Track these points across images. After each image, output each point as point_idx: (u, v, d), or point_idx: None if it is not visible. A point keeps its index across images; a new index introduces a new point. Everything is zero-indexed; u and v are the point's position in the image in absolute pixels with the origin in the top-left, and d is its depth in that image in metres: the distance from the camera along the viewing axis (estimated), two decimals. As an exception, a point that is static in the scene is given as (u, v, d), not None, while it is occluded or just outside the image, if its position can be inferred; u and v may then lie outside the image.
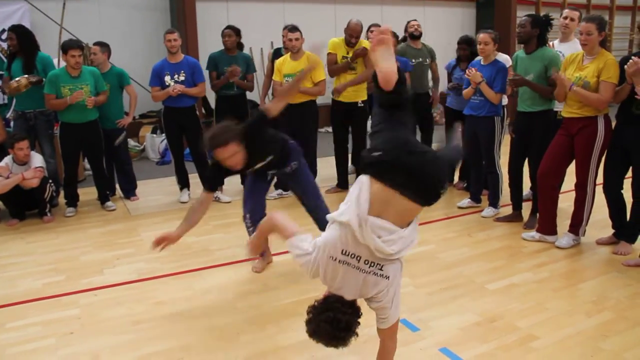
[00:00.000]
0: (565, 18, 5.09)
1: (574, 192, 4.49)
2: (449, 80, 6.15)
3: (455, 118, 6.09)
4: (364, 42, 5.91)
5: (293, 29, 5.75)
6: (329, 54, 5.97)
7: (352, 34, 5.88)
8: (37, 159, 5.42)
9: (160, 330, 3.32)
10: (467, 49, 5.94)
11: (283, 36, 6.25)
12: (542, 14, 4.92)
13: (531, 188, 5.51)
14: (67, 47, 5.40)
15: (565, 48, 5.00)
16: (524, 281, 3.91)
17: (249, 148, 3.36)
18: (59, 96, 5.43)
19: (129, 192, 6.27)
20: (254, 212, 3.95)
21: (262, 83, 6.49)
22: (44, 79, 5.67)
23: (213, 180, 3.63)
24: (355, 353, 3.04)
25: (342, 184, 6.37)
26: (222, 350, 3.11)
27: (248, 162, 3.46)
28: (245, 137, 3.33)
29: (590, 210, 4.47)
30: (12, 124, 6.13)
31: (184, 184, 6.12)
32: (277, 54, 6.51)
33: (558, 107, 4.76)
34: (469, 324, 3.33)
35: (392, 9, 11.46)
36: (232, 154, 3.27)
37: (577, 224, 4.51)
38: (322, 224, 3.71)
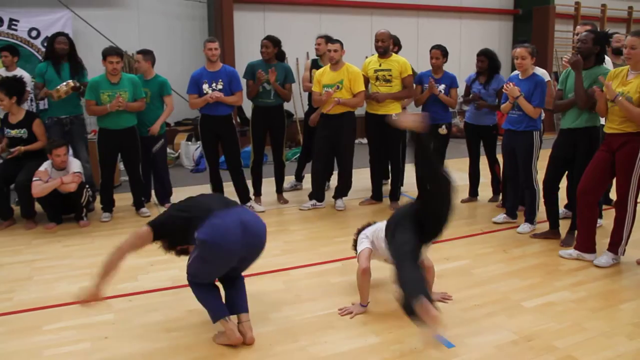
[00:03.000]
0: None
1: (613, 209, 4.39)
2: (468, 94, 6.08)
3: (475, 133, 6.03)
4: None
5: (334, 40, 5.75)
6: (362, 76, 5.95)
7: (377, 39, 5.88)
8: (76, 164, 5.52)
9: (193, 339, 3.33)
10: (485, 61, 5.87)
11: (316, 44, 6.29)
12: (600, 29, 4.80)
13: (566, 206, 5.43)
14: (105, 54, 5.52)
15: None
16: (561, 300, 3.82)
17: None
18: (98, 102, 5.54)
19: (164, 199, 6.34)
20: None
21: (299, 94, 6.50)
22: (81, 87, 5.80)
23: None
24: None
25: (377, 196, 6.34)
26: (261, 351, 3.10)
27: None
28: None
29: (631, 229, 4.36)
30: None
31: (218, 191, 6.16)
32: (314, 63, 6.54)
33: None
34: (505, 342, 3.26)
35: (427, 20, 11.45)
36: None
37: (616, 243, 4.40)
38: None
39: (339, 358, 3.12)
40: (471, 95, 6.00)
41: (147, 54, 6.11)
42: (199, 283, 3.26)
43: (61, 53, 5.95)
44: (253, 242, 3.21)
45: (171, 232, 3.20)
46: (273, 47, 6.02)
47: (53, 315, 3.67)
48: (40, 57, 8.05)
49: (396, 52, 6.44)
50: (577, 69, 4.48)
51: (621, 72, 4.25)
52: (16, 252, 4.89)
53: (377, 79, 5.92)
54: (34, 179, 5.29)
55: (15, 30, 8.07)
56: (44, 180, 5.31)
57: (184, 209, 3.24)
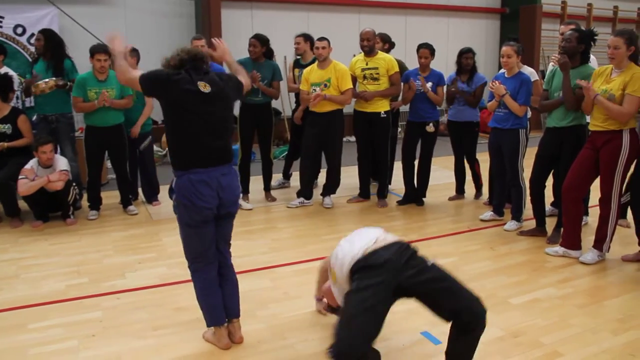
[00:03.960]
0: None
1: (598, 207, 4.43)
2: (449, 94, 6.08)
3: (458, 130, 6.06)
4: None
5: (321, 38, 5.76)
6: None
7: (362, 38, 5.90)
8: (62, 162, 5.48)
9: (180, 336, 3.33)
10: (471, 58, 5.93)
11: (295, 43, 6.28)
12: (587, 27, 4.82)
13: (552, 203, 5.47)
14: (93, 52, 5.49)
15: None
16: (548, 296, 3.86)
17: None
18: (86, 99, 5.51)
19: (151, 197, 6.31)
20: None
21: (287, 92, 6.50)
22: (68, 83, 5.76)
23: None
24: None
25: (364, 194, 6.35)
26: (242, 358, 3.10)
27: None
28: None
29: (615, 225, 4.41)
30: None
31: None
32: (296, 63, 6.52)
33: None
34: (492, 338, 3.28)
35: (415, 19, 11.48)
36: None
37: (601, 240, 4.44)
38: None
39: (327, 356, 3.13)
40: (452, 89, 6.01)
41: (133, 51, 6.07)
42: (203, 275, 3.16)
43: (39, 50, 5.89)
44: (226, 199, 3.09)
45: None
46: (261, 46, 6.00)
47: (39, 313, 3.64)
48: (26, 55, 7.99)
49: (388, 50, 6.46)
50: (564, 70, 4.51)
51: (605, 70, 4.31)
52: (2, 250, 4.85)
53: (364, 77, 5.93)
54: (20, 177, 5.24)
55: (0, 27, 7.98)
56: (30, 178, 5.27)
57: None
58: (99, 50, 5.49)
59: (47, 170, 5.38)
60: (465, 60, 5.93)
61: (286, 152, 7.22)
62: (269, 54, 6.24)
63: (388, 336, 3.30)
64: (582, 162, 4.43)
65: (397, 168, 6.35)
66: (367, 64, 5.93)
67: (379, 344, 3.20)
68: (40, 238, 5.16)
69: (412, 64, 6.14)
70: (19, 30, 8.09)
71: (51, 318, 3.57)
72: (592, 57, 4.79)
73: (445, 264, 4.40)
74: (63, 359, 3.10)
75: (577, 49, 4.55)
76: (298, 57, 6.53)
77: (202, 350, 3.16)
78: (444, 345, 3.18)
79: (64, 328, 3.43)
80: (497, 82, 5.16)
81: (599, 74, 4.33)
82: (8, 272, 4.35)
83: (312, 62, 6.16)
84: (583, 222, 4.74)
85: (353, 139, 6.62)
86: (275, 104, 6.41)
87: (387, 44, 6.57)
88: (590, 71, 4.51)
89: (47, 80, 5.66)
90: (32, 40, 7.30)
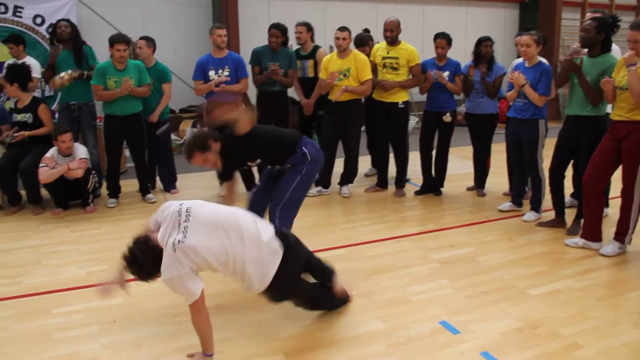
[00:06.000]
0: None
1: (620, 198, 4.39)
2: (465, 84, 5.93)
3: (476, 122, 5.99)
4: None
5: (342, 28, 5.72)
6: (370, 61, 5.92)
7: (385, 28, 5.85)
8: (81, 151, 5.53)
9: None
10: (490, 47, 5.82)
11: (297, 32, 6.23)
12: (607, 15, 4.69)
13: (572, 195, 5.42)
14: (113, 41, 5.52)
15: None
16: (567, 288, 3.83)
17: (226, 155, 3.69)
18: (105, 88, 5.55)
19: (170, 184, 6.36)
20: (251, 209, 3.75)
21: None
22: (85, 73, 5.80)
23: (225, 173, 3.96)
24: (393, 354, 3.03)
25: (382, 184, 6.34)
26: (262, 345, 3.12)
27: (233, 163, 3.87)
28: (222, 147, 3.64)
29: (637, 218, 4.36)
30: (56, 115, 6.30)
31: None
32: (296, 54, 6.40)
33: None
34: (510, 329, 3.28)
35: (433, 8, 11.39)
36: (202, 161, 3.59)
37: (622, 232, 4.40)
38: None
39: (345, 343, 3.15)
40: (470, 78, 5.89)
41: (150, 41, 6.11)
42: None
43: (64, 37, 5.93)
44: None
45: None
46: (282, 36, 6.02)
47: (62, 298, 3.71)
48: (45, 45, 8.04)
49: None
50: (574, 71, 4.46)
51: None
52: (25, 237, 4.93)
53: (384, 66, 5.90)
54: (40, 165, 5.31)
55: (20, 17, 8.04)
56: (51, 166, 5.33)
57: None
58: (118, 40, 5.51)
59: (67, 159, 5.43)
60: (485, 48, 5.84)
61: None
62: (284, 42, 6.24)
63: (406, 325, 3.31)
64: (603, 153, 4.37)
65: (415, 158, 6.32)
66: (388, 53, 5.89)
67: (397, 333, 3.22)
68: (61, 225, 5.22)
69: (430, 54, 6.10)
70: (38, 20, 8.15)
71: (73, 304, 3.63)
72: (614, 46, 4.71)
73: (463, 254, 4.45)
74: (85, 344, 3.15)
75: (597, 38, 4.46)
76: (298, 46, 6.47)
77: (221, 336, 3.18)
78: (462, 335, 3.20)
79: (85, 313, 3.49)
80: (516, 72, 5.10)
81: (622, 65, 4.23)
82: (31, 259, 4.42)
83: (313, 52, 6.15)
84: (604, 214, 4.70)
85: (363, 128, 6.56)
86: (291, 92, 6.40)
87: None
88: (612, 61, 4.42)
89: (62, 74, 5.70)
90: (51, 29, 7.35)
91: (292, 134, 4.05)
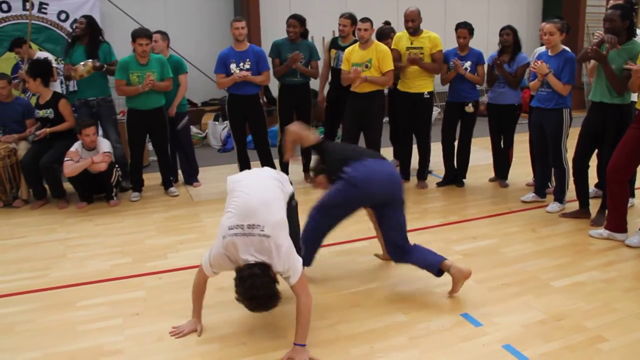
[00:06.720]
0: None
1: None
2: (491, 75, 5.89)
3: (499, 113, 5.91)
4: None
5: (364, 19, 5.68)
6: (392, 49, 5.87)
7: (406, 19, 5.80)
8: (105, 145, 5.60)
9: (222, 315, 3.38)
10: (510, 35, 5.72)
11: (339, 24, 6.21)
12: (624, 2, 4.61)
13: (596, 185, 5.34)
14: (135, 36, 5.55)
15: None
16: (591, 280, 3.78)
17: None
18: (128, 83, 5.60)
19: (191, 178, 6.40)
20: None
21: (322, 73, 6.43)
22: (105, 66, 5.85)
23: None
24: (414, 346, 3.02)
25: (404, 175, 6.29)
26: (283, 337, 3.13)
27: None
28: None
29: (664, 208, 4.29)
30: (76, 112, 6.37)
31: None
32: (334, 43, 6.44)
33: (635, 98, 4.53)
34: (533, 321, 3.24)
35: (455, -2, 11.27)
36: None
37: (648, 223, 4.33)
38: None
39: (367, 336, 3.15)
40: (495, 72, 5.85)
41: (164, 34, 6.15)
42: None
43: (79, 33, 5.99)
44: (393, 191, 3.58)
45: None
46: (300, 27, 6.00)
47: (87, 291, 3.76)
48: (69, 40, 8.14)
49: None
50: (600, 61, 4.37)
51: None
52: (51, 230, 5.01)
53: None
54: (65, 159, 5.39)
55: (45, 13, 8.14)
56: (75, 160, 5.41)
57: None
58: (140, 34, 5.54)
59: (90, 153, 5.50)
60: (502, 37, 5.78)
61: (323, 134, 7.21)
62: (304, 33, 6.23)
63: (428, 318, 3.30)
64: (628, 143, 4.29)
65: (437, 149, 6.27)
66: (411, 43, 5.84)
67: (417, 326, 3.21)
68: (85, 219, 5.30)
69: (451, 44, 6.03)
70: (63, 16, 8.24)
71: (98, 296, 3.68)
72: (638, 31, 4.61)
73: (486, 246, 4.42)
74: (109, 336, 3.19)
75: (623, 26, 4.38)
76: (338, 37, 6.44)
77: (241, 330, 3.21)
78: (484, 327, 3.18)
79: (109, 306, 3.54)
80: (539, 61, 5.02)
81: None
82: (57, 252, 4.49)
83: (353, 44, 6.12)
84: (629, 204, 4.62)
85: (386, 119, 6.52)
86: (313, 84, 6.39)
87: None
88: (637, 49, 4.34)
89: (83, 63, 5.75)
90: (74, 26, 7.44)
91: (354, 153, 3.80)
